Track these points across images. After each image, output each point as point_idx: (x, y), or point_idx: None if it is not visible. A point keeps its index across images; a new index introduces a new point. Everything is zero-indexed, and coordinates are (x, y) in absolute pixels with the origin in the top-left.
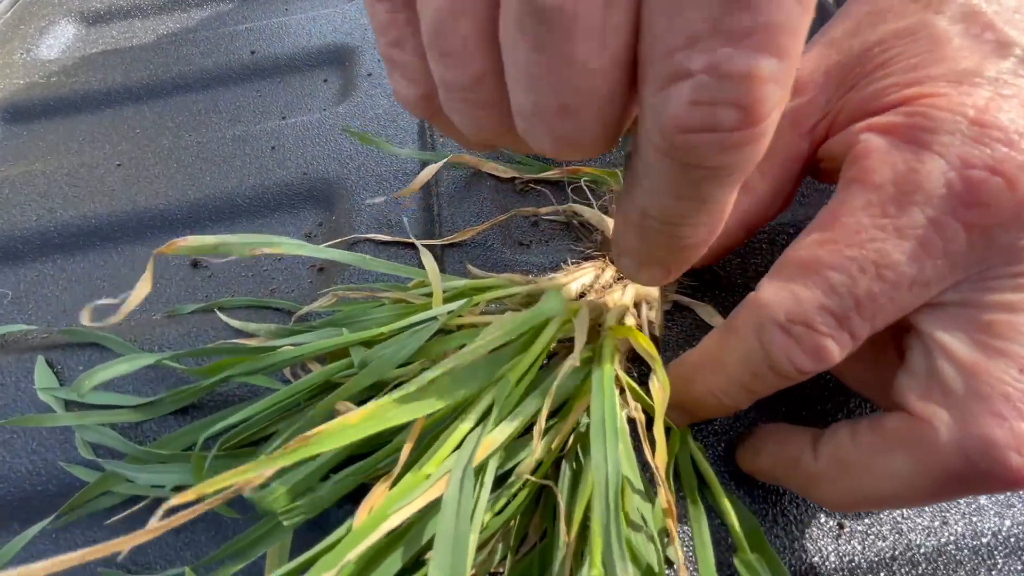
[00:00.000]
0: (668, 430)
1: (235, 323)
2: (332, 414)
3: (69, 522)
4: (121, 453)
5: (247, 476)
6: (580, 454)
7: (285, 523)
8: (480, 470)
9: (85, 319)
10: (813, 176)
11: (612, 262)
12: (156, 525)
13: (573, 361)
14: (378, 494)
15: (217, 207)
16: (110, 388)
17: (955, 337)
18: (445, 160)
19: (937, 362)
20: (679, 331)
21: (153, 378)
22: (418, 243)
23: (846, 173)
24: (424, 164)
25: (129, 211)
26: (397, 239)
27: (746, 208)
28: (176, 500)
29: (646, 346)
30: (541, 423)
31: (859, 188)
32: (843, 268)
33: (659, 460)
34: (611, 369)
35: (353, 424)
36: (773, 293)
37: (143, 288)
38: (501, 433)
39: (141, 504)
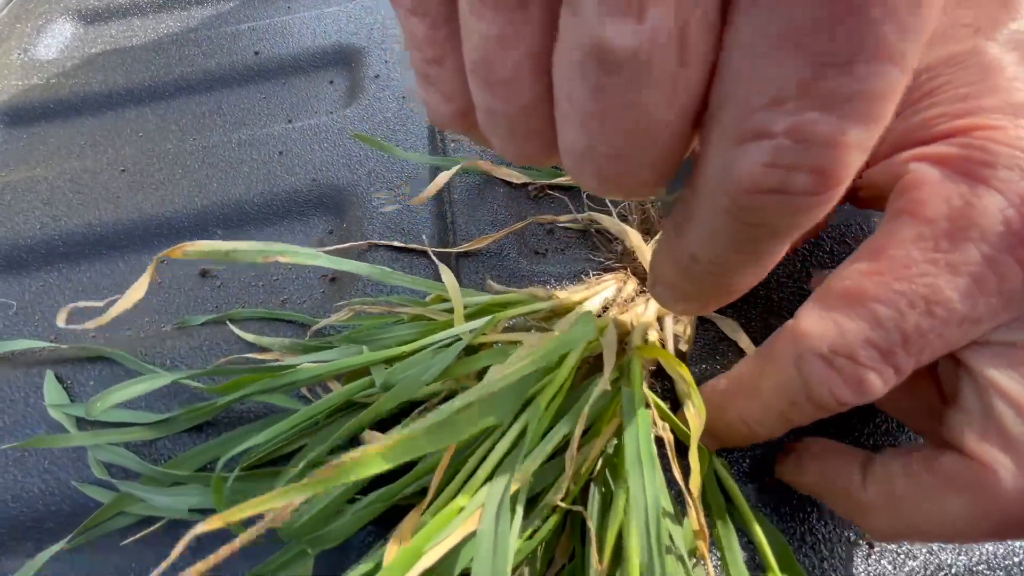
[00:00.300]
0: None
1: (248, 336)
2: (357, 439)
3: (83, 543)
4: (135, 473)
5: (274, 504)
6: (609, 476)
7: (310, 551)
8: (513, 499)
9: (60, 321)
10: (852, 203)
11: (635, 276)
12: (180, 553)
13: (604, 385)
14: (408, 526)
15: (225, 214)
16: (122, 405)
17: (1010, 377)
18: (458, 167)
19: (993, 402)
20: (701, 345)
21: (166, 393)
22: (433, 255)
23: (894, 204)
24: (436, 168)
25: (135, 219)
26: (411, 246)
27: None
28: (202, 528)
29: (680, 371)
30: (573, 450)
31: (910, 220)
32: (891, 302)
33: (693, 486)
34: (642, 393)
35: (380, 453)
36: (815, 323)
37: (136, 292)
38: (534, 461)
39: (157, 525)
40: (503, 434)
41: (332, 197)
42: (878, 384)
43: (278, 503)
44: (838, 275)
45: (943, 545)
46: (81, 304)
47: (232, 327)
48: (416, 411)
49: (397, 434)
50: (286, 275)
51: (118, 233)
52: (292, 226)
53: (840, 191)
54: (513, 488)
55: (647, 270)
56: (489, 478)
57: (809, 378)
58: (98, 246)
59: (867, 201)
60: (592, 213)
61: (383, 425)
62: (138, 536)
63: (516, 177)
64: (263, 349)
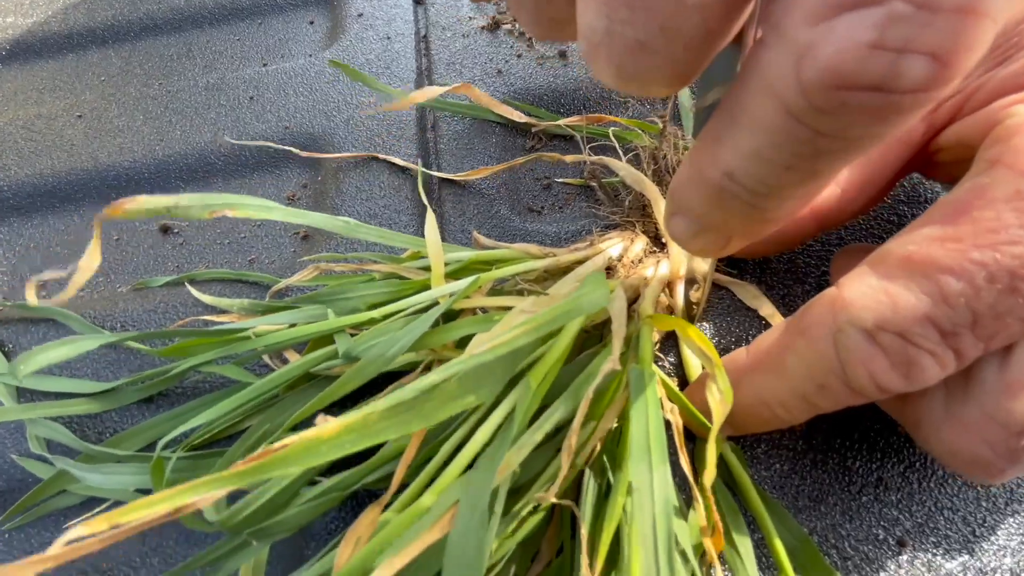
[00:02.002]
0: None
1: (207, 299)
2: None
3: (25, 523)
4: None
5: (197, 496)
6: (607, 463)
7: (254, 543)
8: (493, 497)
9: (29, 295)
10: (921, 171)
11: (644, 234)
12: (59, 552)
13: (613, 364)
14: (366, 523)
15: (188, 165)
16: (66, 371)
17: None
18: (449, 89)
19: None
20: (714, 314)
21: (114, 360)
22: (418, 172)
23: (986, 154)
24: (422, 113)
25: (90, 169)
26: (409, 165)
27: (825, 198)
28: (83, 530)
29: (702, 346)
30: (571, 441)
31: (1006, 173)
32: (965, 275)
33: (707, 479)
34: (652, 371)
35: (327, 439)
36: (863, 292)
37: (91, 260)
38: (521, 450)
39: (104, 505)
40: (485, 416)
41: (307, 147)
42: (933, 370)
43: (203, 494)
44: (900, 238)
45: (986, 546)
46: (47, 276)
47: (191, 288)
48: (391, 386)
49: (351, 416)
50: (254, 232)
51: (72, 184)
52: (263, 179)
53: (948, 89)
54: (495, 483)
55: (660, 226)
56: (467, 468)
57: (847, 356)
58: (50, 198)
59: (943, 168)
60: (604, 158)
61: (356, 397)
62: (82, 519)
63: (517, 115)
64: (223, 312)
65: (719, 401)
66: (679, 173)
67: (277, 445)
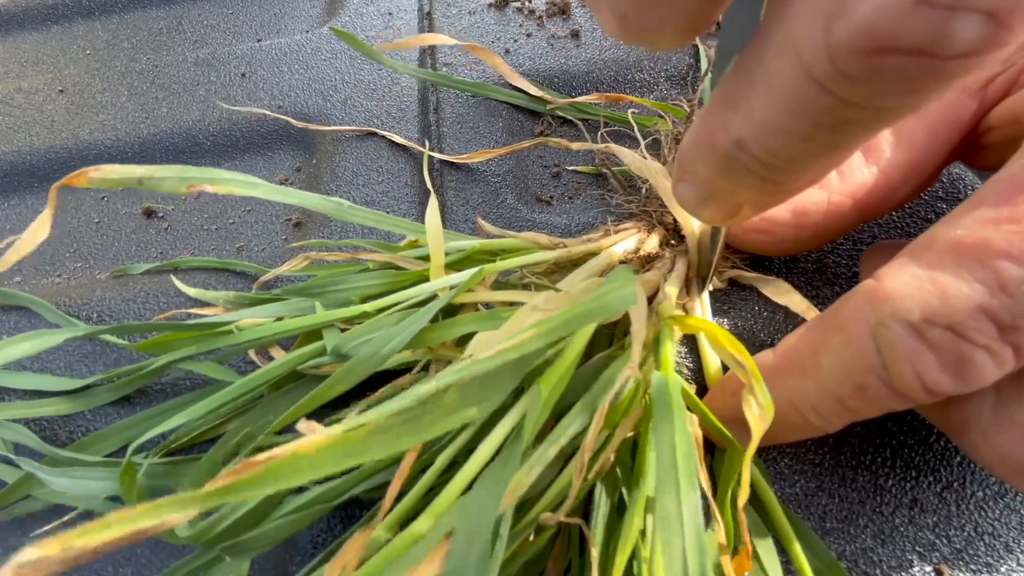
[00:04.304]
0: (715, 447)
1: (191, 290)
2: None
3: None
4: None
5: (162, 518)
6: (620, 476)
7: (228, 559)
8: (497, 525)
9: None
10: (966, 158)
11: (661, 225)
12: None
13: (633, 371)
14: (353, 549)
15: (175, 144)
16: (37, 365)
17: None
18: (462, 43)
19: None
20: (736, 317)
21: (89, 353)
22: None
23: None
24: (425, 92)
25: (71, 147)
26: (410, 143)
27: (867, 184)
28: (32, 554)
29: (737, 353)
30: (584, 458)
31: None
32: None
33: (740, 501)
34: (676, 380)
35: (307, 456)
36: (906, 282)
37: (38, 230)
38: (532, 470)
39: (72, 514)
40: (489, 425)
41: (301, 128)
42: (989, 368)
43: (171, 515)
44: (947, 222)
45: None
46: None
47: (173, 279)
48: (384, 388)
49: (335, 430)
50: (243, 218)
51: (51, 163)
52: (254, 161)
53: (997, 58)
54: (500, 508)
55: (677, 217)
56: (467, 488)
57: (890, 353)
58: (29, 177)
59: (995, 149)
60: (610, 144)
61: (346, 395)
62: (49, 526)
63: (534, 89)
64: (206, 305)
65: (758, 416)
66: (688, 135)
67: (253, 461)
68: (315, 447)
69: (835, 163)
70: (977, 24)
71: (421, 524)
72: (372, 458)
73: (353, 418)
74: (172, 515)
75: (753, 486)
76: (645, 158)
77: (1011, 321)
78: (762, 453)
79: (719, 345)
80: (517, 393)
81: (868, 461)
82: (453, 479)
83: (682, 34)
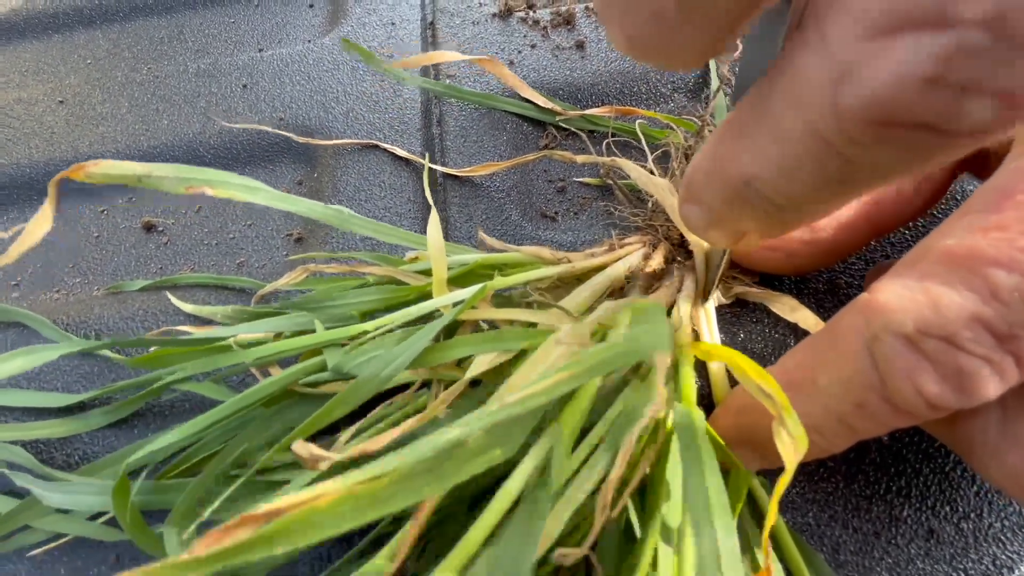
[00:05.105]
0: (727, 471)
1: (188, 307)
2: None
3: None
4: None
5: None
6: (631, 510)
7: None
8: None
9: None
10: (975, 169)
11: (667, 241)
12: None
13: (657, 409)
14: None
15: (175, 157)
16: (34, 383)
17: None
18: (471, 58)
19: None
20: (746, 336)
21: (87, 373)
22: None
23: None
24: (428, 104)
25: (70, 159)
26: (411, 156)
27: (878, 198)
28: None
29: (764, 384)
30: (608, 496)
31: None
32: (1016, 265)
33: (764, 538)
34: (700, 414)
35: (325, 510)
36: (898, 294)
37: (40, 224)
38: (561, 515)
39: (69, 537)
40: (510, 471)
41: (303, 141)
42: (991, 381)
43: None
44: (938, 232)
45: None
46: None
47: (170, 296)
48: (380, 407)
49: (355, 478)
50: (244, 233)
51: (50, 175)
52: (255, 174)
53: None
54: (533, 559)
55: (684, 234)
56: (489, 537)
57: (887, 368)
58: (27, 190)
59: (996, 159)
60: (615, 158)
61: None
62: (47, 547)
63: (543, 100)
64: (208, 322)
65: (791, 447)
66: (697, 159)
67: (264, 511)
68: (333, 499)
69: (842, 204)
70: (989, 105)
71: (444, 574)
72: (395, 509)
73: (368, 468)
74: None
75: (762, 510)
76: (652, 172)
77: (1008, 330)
78: (771, 479)
79: (744, 375)
80: (536, 430)
81: (883, 490)
82: (474, 525)
83: (689, 61)
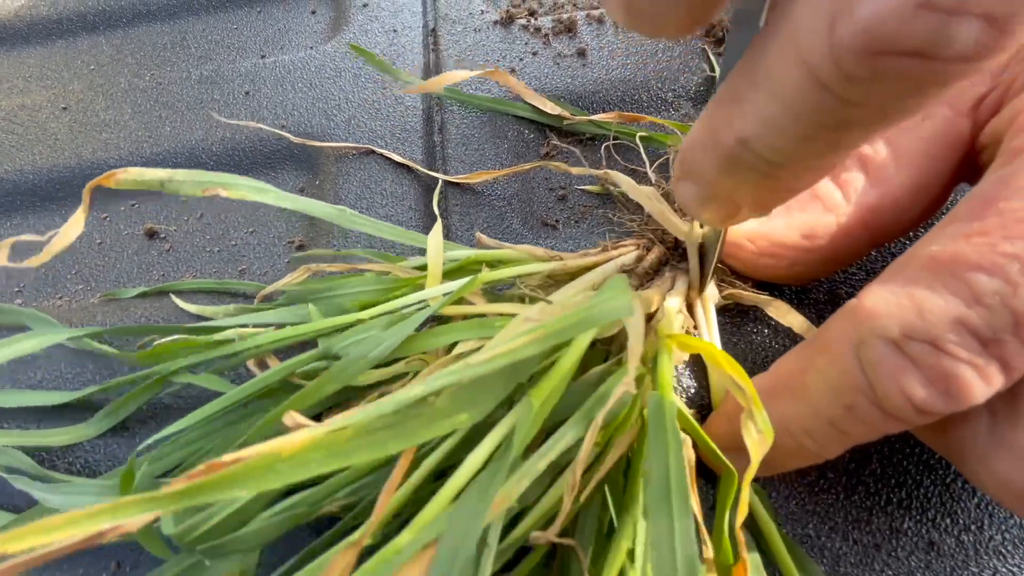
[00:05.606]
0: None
1: (191, 307)
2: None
3: None
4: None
5: (120, 519)
6: (609, 499)
7: (208, 562)
8: (484, 536)
9: (2, 258)
10: (970, 179)
11: (662, 244)
12: None
13: (628, 386)
14: (339, 567)
15: (178, 164)
16: (35, 381)
17: None
18: (478, 73)
19: None
20: (736, 341)
21: (91, 375)
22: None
23: (1011, 144)
24: (429, 114)
25: (73, 166)
26: (408, 163)
27: (874, 205)
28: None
29: (735, 375)
30: (577, 475)
31: None
32: (998, 270)
33: (739, 519)
34: (672, 401)
35: (288, 457)
36: (884, 299)
37: (73, 227)
38: (521, 480)
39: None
40: (478, 438)
41: (304, 147)
42: (977, 385)
43: (108, 521)
44: (923, 240)
45: None
46: (24, 237)
47: (173, 297)
48: (371, 394)
49: (319, 429)
50: (246, 240)
51: (53, 182)
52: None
53: (994, 63)
54: (487, 519)
55: (676, 235)
56: (454, 498)
57: (873, 371)
58: (31, 196)
59: (988, 167)
60: (612, 172)
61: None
62: (50, 549)
63: (550, 106)
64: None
65: (757, 441)
66: (691, 134)
67: (227, 458)
68: (296, 447)
69: (836, 162)
70: (976, 28)
71: (406, 536)
72: (357, 461)
73: (337, 419)
74: (137, 515)
75: (761, 527)
76: (651, 181)
77: (992, 334)
78: (770, 492)
79: (718, 366)
80: (508, 405)
81: (883, 502)
82: (440, 491)
83: (685, 21)
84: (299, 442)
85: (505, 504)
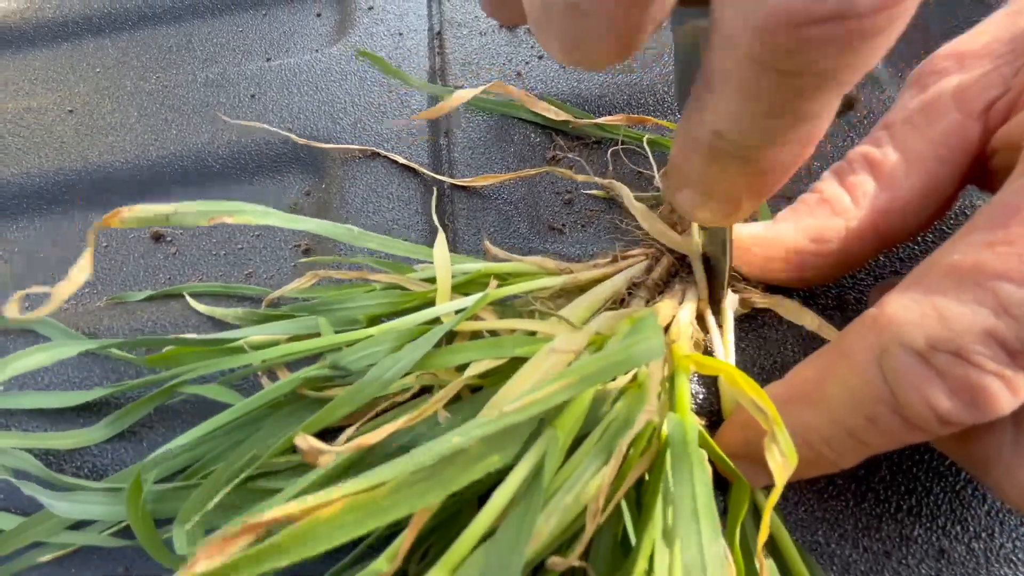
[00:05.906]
0: (727, 484)
1: (202, 307)
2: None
3: None
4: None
5: None
6: (627, 518)
7: None
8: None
9: (12, 312)
10: (979, 182)
11: (670, 254)
12: None
13: (650, 414)
14: None
15: (184, 168)
16: (44, 387)
17: None
18: (484, 88)
19: None
20: (745, 346)
21: (98, 375)
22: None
23: None
24: (435, 118)
25: (79, 169)
26: (413, 165)
27: (884, 209)
28: None
29: (756, 398)
30: (600, 502)
31: None
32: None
33: (760, 542)
34: (693, 424)
35: (328, 520)
36: (907, 308)
37: (80, 271)
38: (551, 518)
39: (76, 545)
40: (505, 475)
41: (310, 151)
42: (1003, 396)
43: None
44: (946, 248)
45: None
46: (33, 290)
47: (188, 297)
48: (382, 404)
49: (356, 486)
50: (252, 244)
51: (59, 185)
52: (263, 184)
53: (911, 5)
54: (524, 558)
55: (675, 247)
56: (484, 538)
57: (897, 381)
58: (37, 199)
59: (1001, 174)
60: (613, 182)
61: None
62: (57, 554)
63: (555, 112)
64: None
65: (782, 465)
66: (674, 147)
67: (255, 523)
68: (335, 509)
69: (808, 135)
70: None
71: (438, 574)
72: (399, 516)
73: (368, 476)
74: None
75: (772, 534)
76: (658, 184)
77: (1021, 346)
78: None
79: (738, 388)
80: (532, 436)
81: (893, 509)
82: (468, 527)
83: (614, 50)
84: (337, 504)
85: (539, 541)
